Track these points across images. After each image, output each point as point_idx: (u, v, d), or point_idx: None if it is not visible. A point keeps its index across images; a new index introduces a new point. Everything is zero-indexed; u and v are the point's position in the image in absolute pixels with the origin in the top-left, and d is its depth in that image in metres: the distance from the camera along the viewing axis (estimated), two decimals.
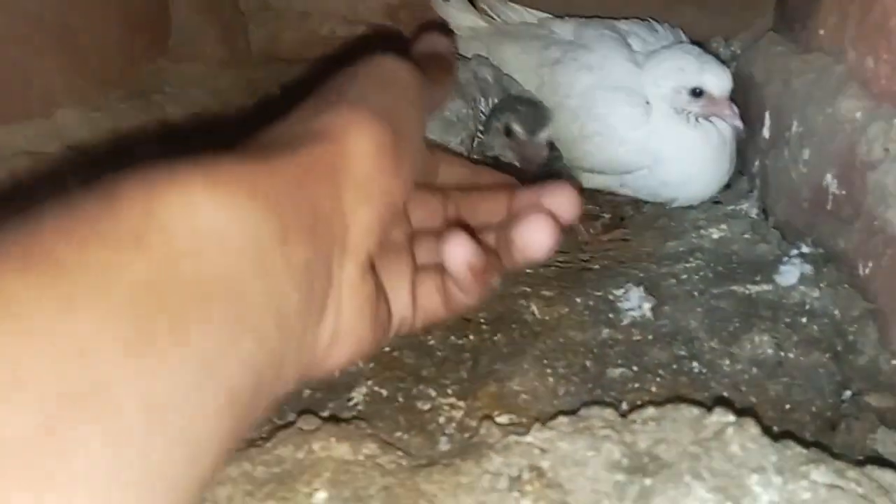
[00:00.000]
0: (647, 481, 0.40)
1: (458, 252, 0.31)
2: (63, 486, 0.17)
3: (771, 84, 0.77)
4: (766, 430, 0.43)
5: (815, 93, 0.67)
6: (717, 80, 0.76)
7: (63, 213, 0.20)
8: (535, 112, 0.79)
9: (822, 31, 0.68)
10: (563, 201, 0.34)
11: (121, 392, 0.18)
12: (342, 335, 0.28)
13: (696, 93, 0.77)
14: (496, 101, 0.81)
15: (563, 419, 0.45)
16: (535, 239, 0.32)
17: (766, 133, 0.79)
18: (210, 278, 0.22)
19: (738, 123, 0.77)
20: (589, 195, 0.93)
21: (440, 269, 0.33)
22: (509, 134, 0.78)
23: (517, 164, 0.78)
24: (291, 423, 0.48)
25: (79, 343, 0.18)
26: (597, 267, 0.73)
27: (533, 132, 0.78)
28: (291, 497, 0.41)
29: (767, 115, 0.78)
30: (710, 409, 0.44)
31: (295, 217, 0.25)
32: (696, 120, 0.80)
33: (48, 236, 0.20)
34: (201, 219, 0.22)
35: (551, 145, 0.80)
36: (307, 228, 0.25)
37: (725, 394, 0.53)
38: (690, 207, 0.85)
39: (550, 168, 0.79)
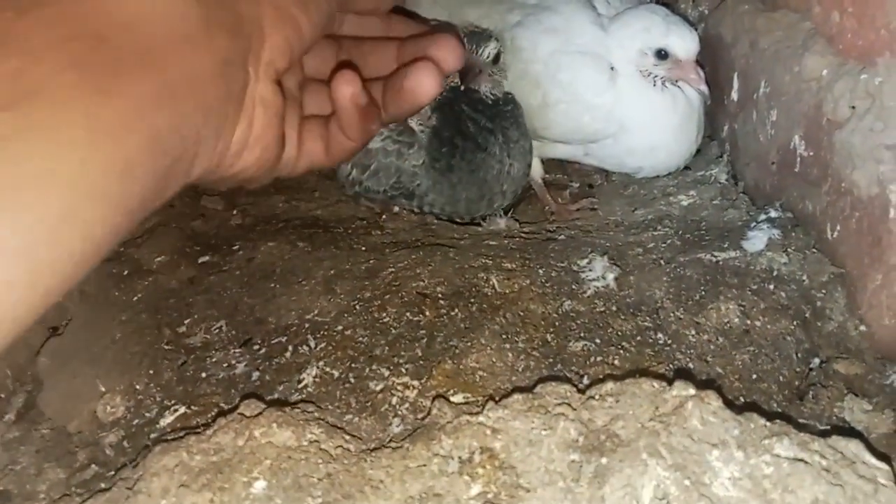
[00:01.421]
0: (604, 460, 0.38)
1: (345, 88, 0.34)
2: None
3: (739, 44, 0.75)
4: (729, 403, 0.41)
5: (783, 52, 0.64)
6: (683, 42, 0.73)
7: None
8: (475, 32, 0.74)
9: None
10: (446, 50, 0.38)
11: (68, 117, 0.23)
12: (251, 142, 0.32)
13: (662, 55, 0.74)
14: None
15: (517, 397, 0.43)
16: (420, 83, 0.36)
17: (734, 96, 0.77)
18: (142, 48, 0.25)
19: (704, 88, 0.74)
20: (557, 164, 0.91)
21: (325, 119, 0.37)
22: (498, 62, 0.74)
23: (489, 93, 0.73)
24: (235, 409, 0.46)
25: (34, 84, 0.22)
26: (562, 237, 0.71)
27: (478, 43, 0.72)
28: (229, 487, 0.39)
29: (735, 76, 0.76)
30: (670, 382, 0.43)
31: (218, 12, 0.28)
32: (664, 84, 0.77)
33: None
34: None
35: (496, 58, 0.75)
36: (229, 27, 0.29)
37: (691, 365, 0.51)
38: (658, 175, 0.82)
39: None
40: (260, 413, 0.43)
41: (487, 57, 0.72)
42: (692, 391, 0.41)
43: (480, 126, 0.72)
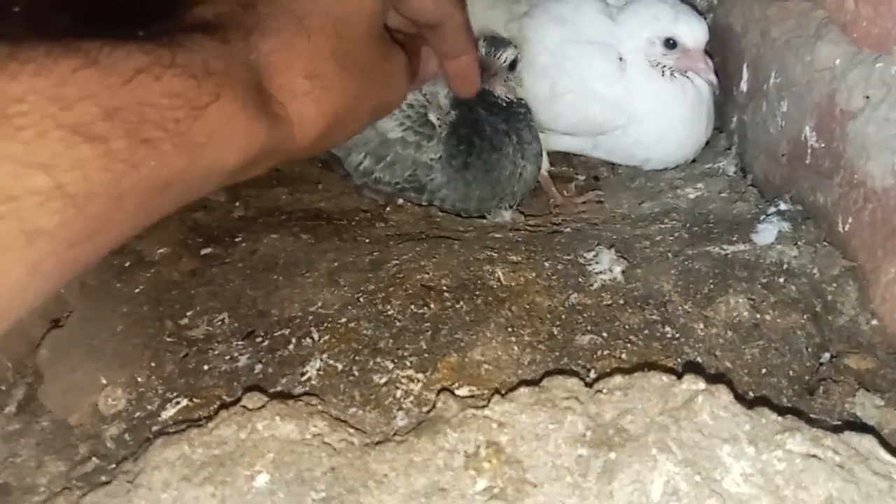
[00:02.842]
0: (612, 455, 0.38)
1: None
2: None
3: (749, 34, 0.73)
4: (740, 398, 0.41)
5: (794, 41, 0.63)
6: (691, 31, 0.72)
7: None
8: (496, 38, 0.75)
9: None
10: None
11: None
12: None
13: (670, 44, 0.73)
14: None
15: (524, 390, 0.42)
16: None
17: (744, 86, 0.76)
18: None
19: (712, 78, 0.73)
20: (563, 157, 0.89)
21: None
22: (514, 68, 0.74)
23: (503, 97, 0.74)
24: (237, 401, 0.45)
25: None
26: (568, 230, 0.70)
27: (496, 48, 0.73)
28: (231, 481, 0.38)
29: (745, 67, 0.75)
30: (680, 376, 0.42)
31: None
32: (672, 74, 0.76)
33: None
34: None
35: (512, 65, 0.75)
36: None
37: (699, 359, 0.50)
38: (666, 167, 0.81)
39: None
40: (263, 406, 0.43)
41: (504, 62, 0.72)
42: (702, 385, 0.40)
43: (496, 128, 0.73)
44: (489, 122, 0.73)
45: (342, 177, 0.79)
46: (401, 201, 0.78)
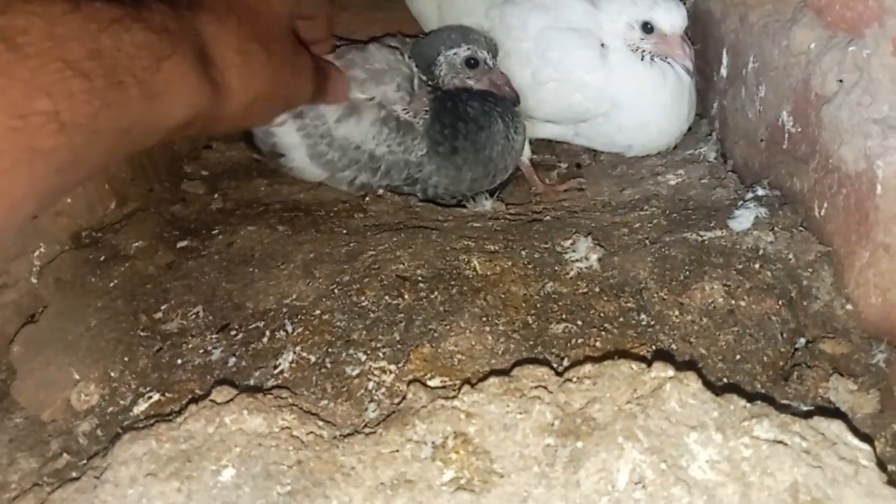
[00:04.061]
0: (579, 444, 0.37)
1: None
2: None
3: (728, 19, 0.73)
4: (709, 384, 0.41)
5: (772, 25, 0.63)
6: (668, 16, 0.71)
7: None
8: (486, 38, 0.75)
9: None
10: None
11: None
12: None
13: (648, 28, 0.73)
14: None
15: (493, 380, 0.42)
16: None
17: (723, 72, 0.75)
18: None
19: (688, 63, 0.73)
20: (545, 144, 0.89)
21: None
22: (473, 66, 0.74)
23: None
24: (207, 395, 0.45)
25: None
26: (548, 218, 0.69)
27: (496, 56, 0.74)
28: (197, 476, 0.38)
29: (725, 52, 0.74)
30: (650, 364, 0.42)
31: None
32: (652, 59, 0.76)
33: None
34: None
35: None
36: None
37: (674, 346, 0.50)
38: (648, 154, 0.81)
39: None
40: (231, 399, 0.43)
41: (456, 59, 0.74)
42: (671, 372, 0.40)
43: (482, 109, 0.73)
44: (471, 105, 0.72)
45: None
46: (381, 191, 0.77)
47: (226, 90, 0.35)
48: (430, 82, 0.75)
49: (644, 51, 0.75)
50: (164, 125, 0.33)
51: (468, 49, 0.73)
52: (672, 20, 0.71)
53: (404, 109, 0.73)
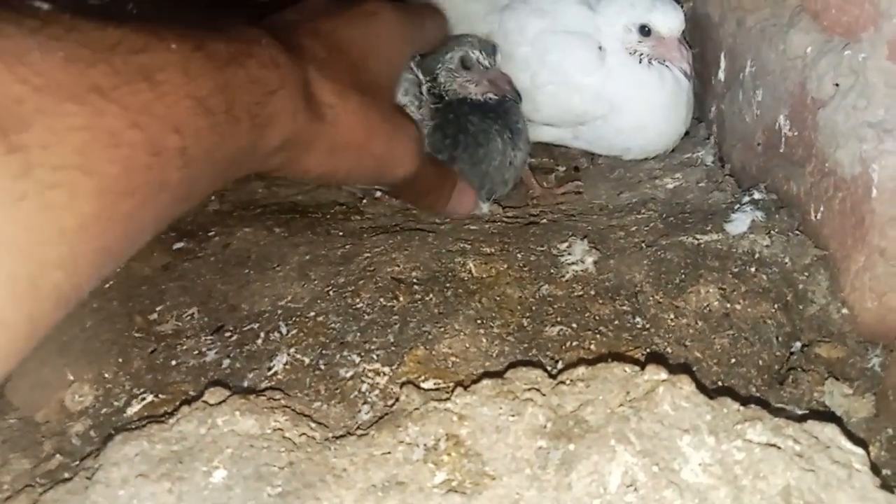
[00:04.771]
0: (571, 447, 0.37)
1: None
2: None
3: (726, 23, 0.73)
4: (702, 387, 0.40)
5: (769, 29, 0.63)
6: (665, 19, 0.71)
7: None
8: (480, 40, 0.75)
9: None
10: None
11: None
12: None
13: (645, 31, 0.73)
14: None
15: (486, 382, 0.42)
16: None
17: (721, 76, 0.75)
18: None
19: (685, 66, 0.73)
20: (543, 148, 0.89)
21: None
22: (468, 66, 0.74)
23: (482, 96, 0.74)
24: (200, 396, 0.45)
25: None
26: (544, 221, 0.69)
27: (492, 56, 0.74)
28: (188, 477, 0.38)
29: (723, 56, 0.74)
30: (643, 366, 0.41)
31: None
32: (650, 62, 0.76)
33: None
34: None
35: None
36: None
37: (669, 350, 0.50)
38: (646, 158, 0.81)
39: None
40: (223, 401, 0.42)
41: (449, 63, 0.73)
42: (664, 375, 0.40)
43: (480, 127, 0.73)
44: (471, 121, 0.73)
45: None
46: (378, 194, 0.77)
47: (322, 121, 0.37)
48: (435, 92, 0.75)
49: (642, 54, 0.75)
50: (262, 150, 0.34)
51: (461, 50, 0.73)
52: (670, 23, 0.71)
53: (415, 108, 0.73)
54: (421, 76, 0.75)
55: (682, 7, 0.75)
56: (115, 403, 0.50)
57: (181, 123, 0.28)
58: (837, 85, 0.51)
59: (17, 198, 0.23)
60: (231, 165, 0.32)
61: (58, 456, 0.47)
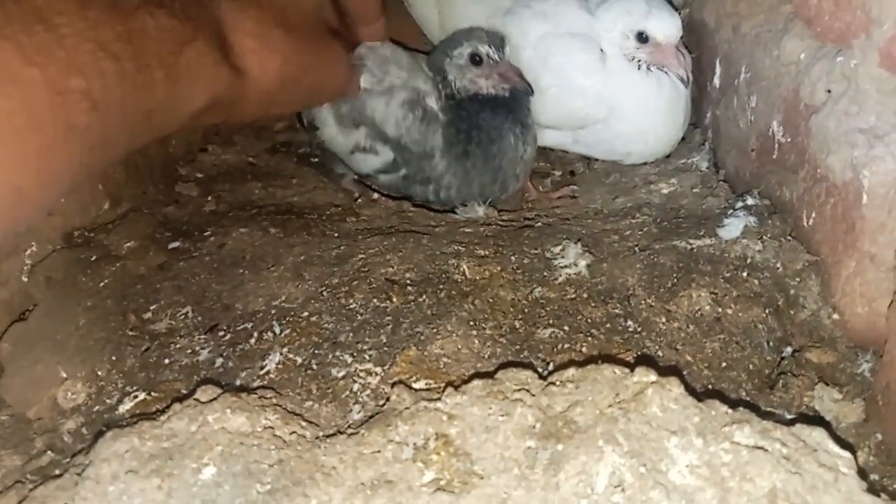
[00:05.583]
0: (560, 447, 0.37)
1: None
2: None
3: (722, 29, 0.73)
4: (691, 390, 0.41)
5: (763, 35, 0.63)
6: (662, 25, 0.72)
7: None
8: (489, 33, 0.75)
9: None
10: None
11: None
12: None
13: (643, 38, 0.73)
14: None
15: (476, 382, 0.42)
16: None
17: (717, 82, 0.76)
18: None
19: (682, 73, 0.73)
20: (539, 152, 0.89)
21: None
22: (478, 62, 0.74)
23: (494, 90, 0.74)
24: (192, 394, 0.45)
25: None
26: (539, 225, 0.69)
27: (501, 49, 0.74)
28: (178, 474, 0.38)
29: (718, 62, 0.74)
30: (633, 368, 0.42)
31: None
32: (648, 68, 0.76)
33: None
34: None
35: None
36: None
37: (660, 353, 0.50)
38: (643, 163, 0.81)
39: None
40: (215, 399, 0.43)
41: (459, 59, 0.73)
42: (653, 377, 0.40)
43: (492, 123, 0.73)
44: (483, 117, 0.73)
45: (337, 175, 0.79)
46: (375, 195, 0.78)
47: (245, 75, 0.36)
48: (446, 90, 0.75)
49: (640, 60, 0.75)
50: (186, 110, 0.34)
51: (469, 46, 0.73)
52: (666, 30, 0.72)
53: (434, 100, 0.73)
54: (430, 74, 0.75)
55: (678, 13, 0.76)
56: (108, 401, 0.50)
57: (84, 66, 0.28)
58: (830, 91, 0.52)
59: None
60: (151, 118, 0.32)
61: (49, 453, 0.47)
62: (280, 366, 0.50)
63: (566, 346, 0.51)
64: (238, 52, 0.37)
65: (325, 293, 0.56)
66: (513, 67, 0.74)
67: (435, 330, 0.51)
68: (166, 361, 0.52)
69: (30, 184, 0.27)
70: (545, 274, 0.58)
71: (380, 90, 0.71)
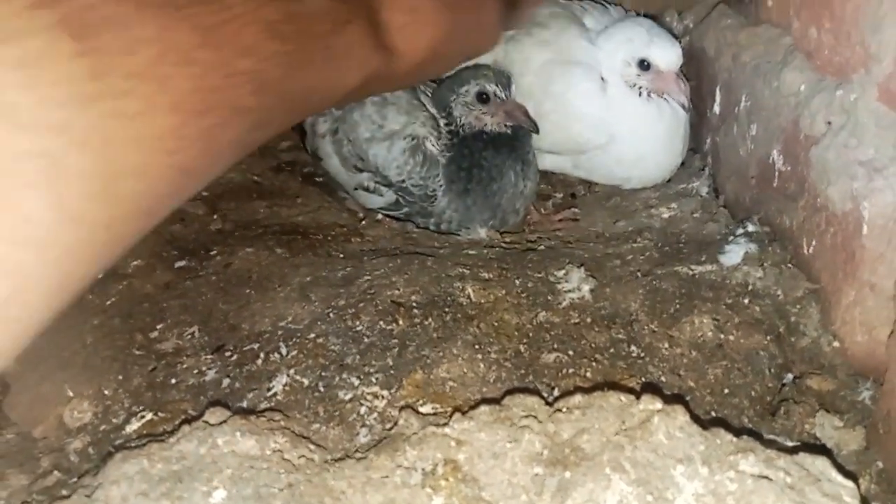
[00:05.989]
0: (567, 474, 0.38)
1: None
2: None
3: (722, 58, 0.75)
4: (696, 418, 0.41)
5: (763, 66, 0.64)
6: (664, 53, 0.73)
7: None
8: (496, 71, 0.76)
9: (769, 2, 0.65)
10: None
11: None
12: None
13: (644, 65, 0.75)
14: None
15: (484, 408, 0.43)
16: None
17: (717, 109, 0.77)
18: None
19: (683, 100, 0.74)
20: (541, 175, 0.90)
21: None
22: (485, 100, 0.75)
23: (498, 127, 0.75)
24: (201, 416, 0.45)
25: None
26: (542, 247, 0.70)
27: (508, 88, 0.75)
28: (188, 497, 0.39)
29: (718, 89, 0.76)
30: (638, 396, 0.42)
31: None
32: (648, 95, 0.77)
33: None
34: None
35: None
36: None
37: (663, 378, 0.51)
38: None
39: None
40: (224, 421, 0.43)
41: (466, 95, 0.74)
42: (659, 405, 0.41)
43: (493, 162, 0.74)
44: (485, 157, 0.74)
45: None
46: (379, 216, 0.78)
47: (396, 51, 0.36)
48: (450, 127, 0.76)
49: (641, 87, 0.77)
50: (340, 89, 0.34)
51: (477, 84, 0.74)
52: (668, 57, 0.73)
53: (433, 143, 0.74)
54: (433, 111, 0.77)
55: (679, 42, 0.77)
56: (114, 420, 0.51)
57: (252, 47, 0.28)
58: (830, 123, 0.53)
59: (89, 98, 0.23)
60: (310, 97, 0.32)
61: (55, 472, 0.47)
62: (287, 387, 0.50)
63: (570, 370, 0.51)
64: (391, 29, 0.37)
65: (331, 314, 0.56)
66: (519, 106, 0.75)
67: (441, 353, 0.51)
68: (173, 381, 0.53)
69: (196, 165, 0.27)
70: (549, 298, 0.58)
71: (380, 136, 0.73)
